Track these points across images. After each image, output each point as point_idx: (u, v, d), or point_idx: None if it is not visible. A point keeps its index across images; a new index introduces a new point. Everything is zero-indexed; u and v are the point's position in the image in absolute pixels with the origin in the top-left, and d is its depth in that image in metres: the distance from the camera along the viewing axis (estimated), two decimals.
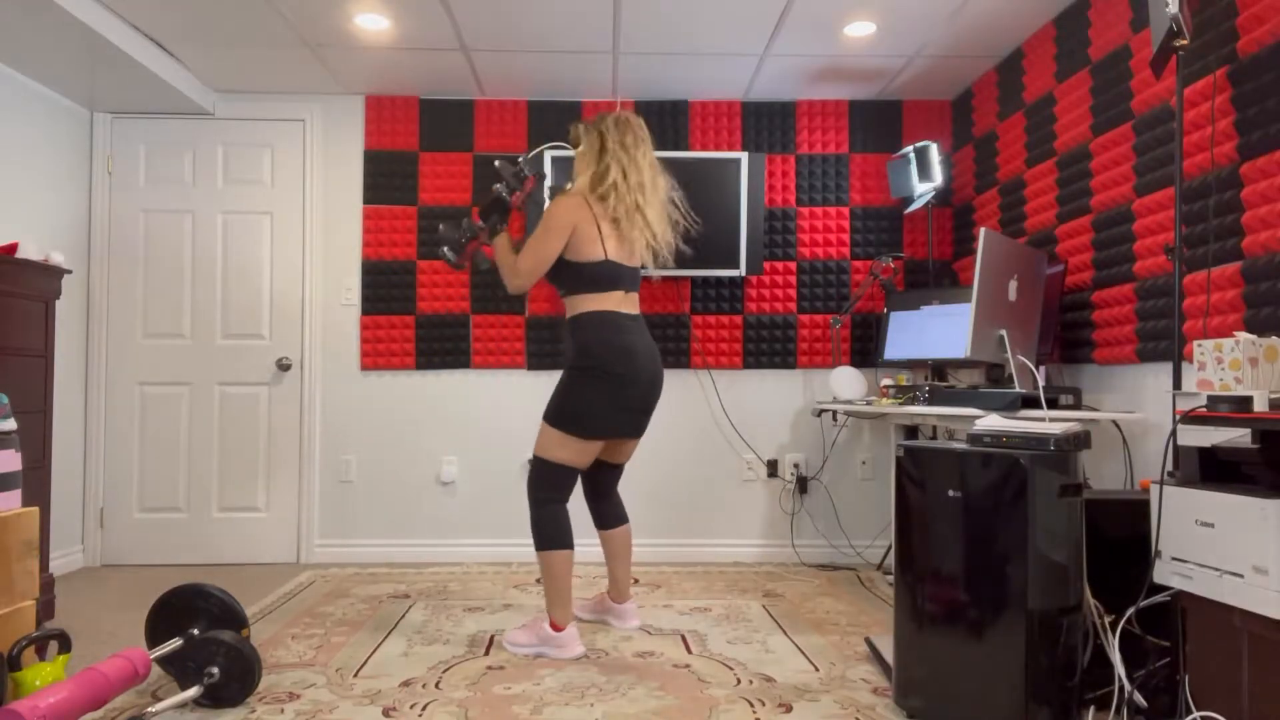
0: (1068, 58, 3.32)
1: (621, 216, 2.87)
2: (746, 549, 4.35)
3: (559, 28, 3.56)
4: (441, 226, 2.97)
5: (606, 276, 2.88)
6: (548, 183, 2.94)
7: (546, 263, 2.88)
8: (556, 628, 2.82)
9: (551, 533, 2.86)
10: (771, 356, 4.38)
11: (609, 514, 3.16)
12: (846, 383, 3.99)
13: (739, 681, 2.56)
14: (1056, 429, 2.10)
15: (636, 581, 3.86)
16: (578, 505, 3.27)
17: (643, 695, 2.44)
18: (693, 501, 4.36)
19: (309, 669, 2.67)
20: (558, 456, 2.88)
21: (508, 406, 4.33)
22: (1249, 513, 1.76)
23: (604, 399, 2.84)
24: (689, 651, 2.85)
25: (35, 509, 2.49)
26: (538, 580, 3.88)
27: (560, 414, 2.87)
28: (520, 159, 2.98)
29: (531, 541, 4.25)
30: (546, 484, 2.90)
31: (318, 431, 4.30)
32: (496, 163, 2.99)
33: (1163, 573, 1.99)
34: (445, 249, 2.95)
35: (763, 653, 2.84)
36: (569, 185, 3.01)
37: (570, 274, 2.90)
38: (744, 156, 4.16)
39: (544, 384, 4.33)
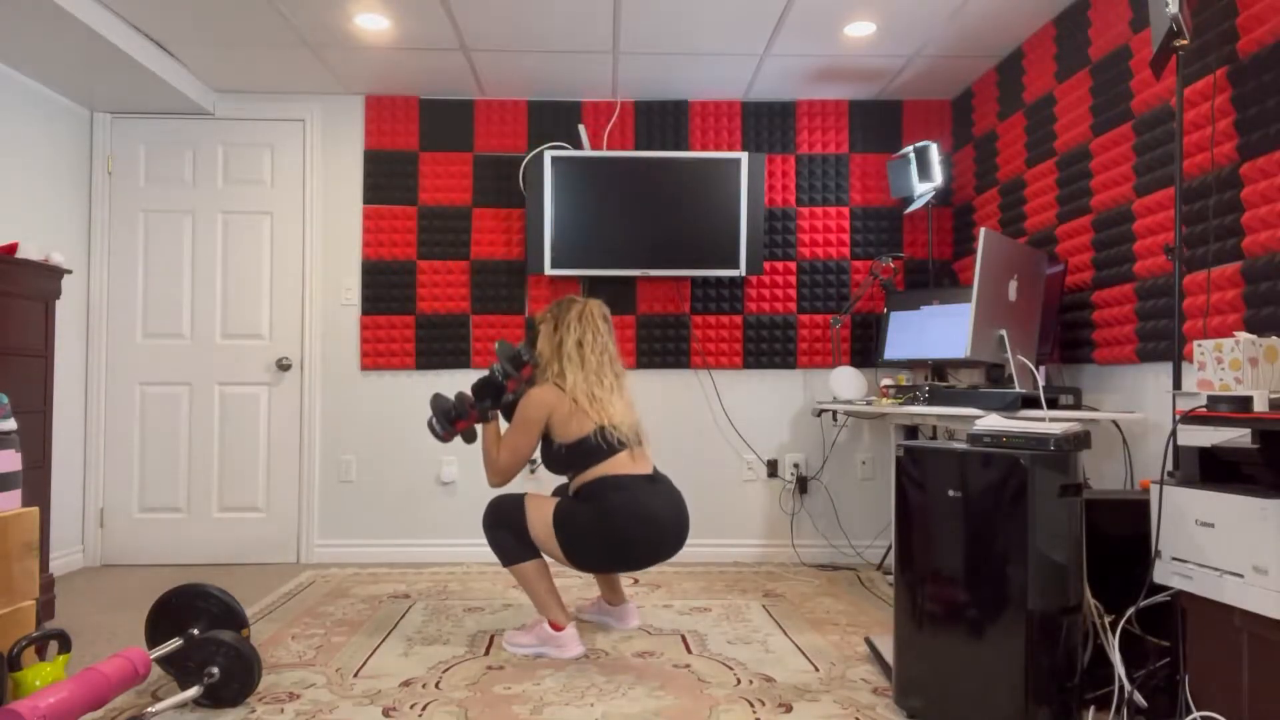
0: (1068, 58, 3.32)
1: (584, 402, 2.87)
2: (746, 549, 4.35)
3: (559, 28, 3.56)
4: (435, 396, 2.97)
5: (605, 444, 2.85)
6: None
7: (524, 456, 2.91)
8: (556, 628, 2.82)
9: (511, 547, 2.84)
10: (771, 356, 4.38)
11: None
12: (846, 383, 3.99)
13: (739, 681, 2.56)
14: (1056, 429, 2.10)
15: (636, 581, 3.86)
16: None
17: (643, 695, 2.44)
18: (693, 501, 4.32)
19: (309, 669, 2.67)
20: (536, 531, 2.82)
21: None
22: (1249, 512, 1.77)
23: (611, 552, 2.82)
24: (689, 651, 2.85)
25: (35, 509, 2.49)
26: None
27: (565, 529, 2.79)
28: (521, 346, 3.00)
29: None
30: (505, 526, 2.85)
31: (317, 431, 4.30)
32: (496, 345, 3.01)
33: (1163, 573, 1.99)
34: (433, 419, 2.96)
35: (763, 653, 2.84)
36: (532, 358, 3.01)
37: (568, 456, 2.89)
38: (744, 156, 4.16)
39: None
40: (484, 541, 4.24)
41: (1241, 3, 2.38)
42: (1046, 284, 3.13)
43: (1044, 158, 3.48)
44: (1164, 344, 2.73)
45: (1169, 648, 2.12)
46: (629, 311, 4.33)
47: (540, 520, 2.81)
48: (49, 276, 3.37)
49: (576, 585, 3.76)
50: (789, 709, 2.34)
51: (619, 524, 2.77)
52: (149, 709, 2.17)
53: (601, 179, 4.16)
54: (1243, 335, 1.86)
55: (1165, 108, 2.73)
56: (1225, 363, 1.87)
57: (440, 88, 4.26)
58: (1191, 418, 1.89)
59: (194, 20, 3.47)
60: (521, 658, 2.78)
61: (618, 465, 2.85)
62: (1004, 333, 2.80)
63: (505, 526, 2.84)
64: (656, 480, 2.92)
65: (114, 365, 4.26)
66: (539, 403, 2.86)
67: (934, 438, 3.93)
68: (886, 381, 3.68)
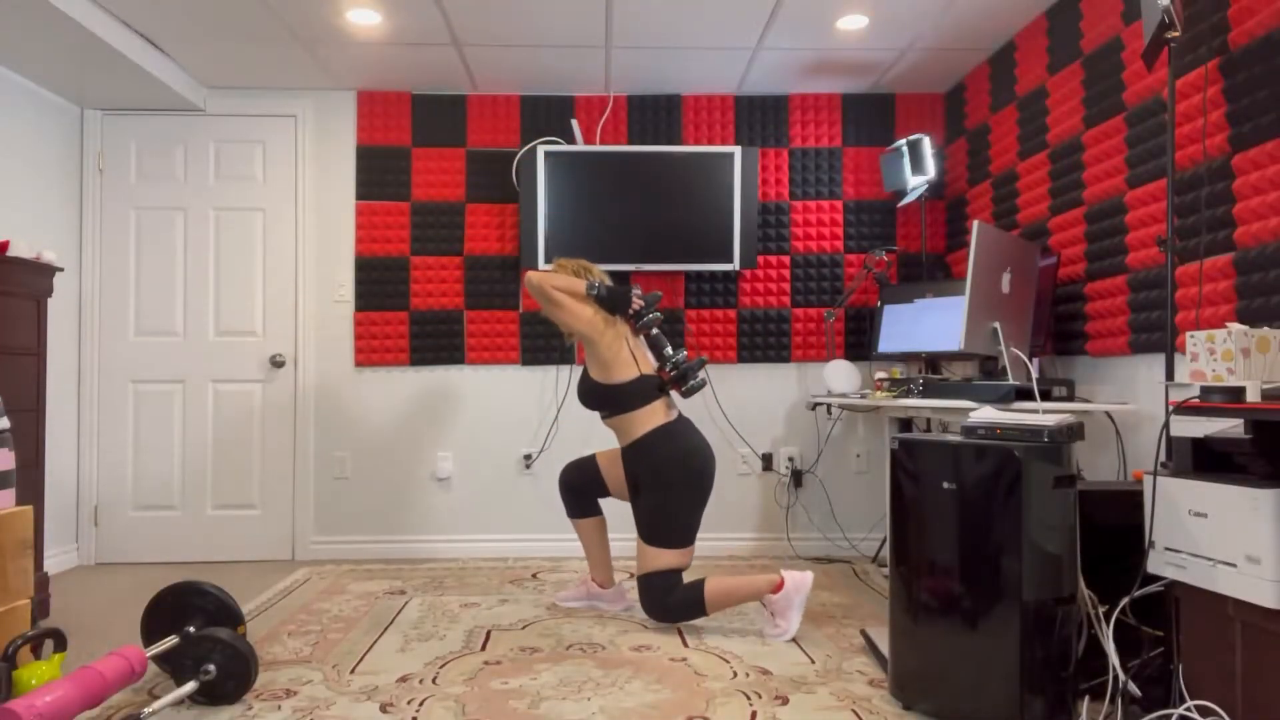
0: (1060, 50, 3.32)
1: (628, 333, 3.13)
2: (742, 542, 4.36)
3: (551, 22, 3.55)
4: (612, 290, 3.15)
5: (647, 390, 3.06)
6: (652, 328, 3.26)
7: (559, 309, 3.05)
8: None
9: (693, 601, 2.95)
10: (766, 350, 4.39)
11: (588, 506, 3.32)
12: (841, 376, 4.00)
13: (735, 674, 2.57)
14: (1050, 421, 2.10)
15: (632, 575, 3.86)
16: (554, 495, 3.35)
17: (640, 689, 2.45)
18: None
19: (305, 665, 2.67)
20: (670, 564, 2.99)
21: (502, 402, 4.33)
22: (1242, 502, 1.77)
23: (696, 496, 3.02)
24: (685, 645, 2.86)
25: (29, 507, 2.49)
26: (534, 575, 3.89)
27: (667, 533, 2.99)
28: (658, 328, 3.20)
29: (531, 537, 4.32)
30: (664, 592, 2.98)
31: (312, 428, 4.30)
32: (650, 305, 3.17)
33: (1157, 563, 2.00)
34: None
35: (759, 645, 2.84)
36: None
37: (616, 396, 3.06)
38: (737, 150, 4.16)
39: (538, 379, 4.33)
40: (479, 537, 4.31)
41: None
42: (1039, 276, 3.13)
43: (1036, 150, 3.49)
44: (1157, 335, 2.74)
45: (1163, 637, 2.14)
46: None
47: (662, 558, 2.99)
48: (41, 274, 3.35)
49: (572, 577, 3.77)
50: (785, 701, 2.35)
51: (683, 474, 3.00)
52: (146, 707, 2.17)
53: (595, 174, 4.15)
54: (1235, 326, 1.86)
55: (1157, 99, 2.73)
56: (1218, 354, 1.88)
57: (432, 83, 4.25)
58: (1184, 409, 1.90)
59: (185, 16, 3.46)
60: (519, 653, 2.79)
61: (658, 413, 3.06)
62: (997, 325, 2.81)
63: (671, 593, 2.98)
64: (687, 420, 3.15)
65: (107, 363, 4.25)
66: (603, 318, 3.07)
67: (928, 430, 3.94)
68: (881, 374, 3.69)
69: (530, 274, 3.07)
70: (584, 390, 3.15)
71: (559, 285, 3.05)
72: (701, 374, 3.14)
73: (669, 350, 3.14)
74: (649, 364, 3.14)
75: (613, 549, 3.58)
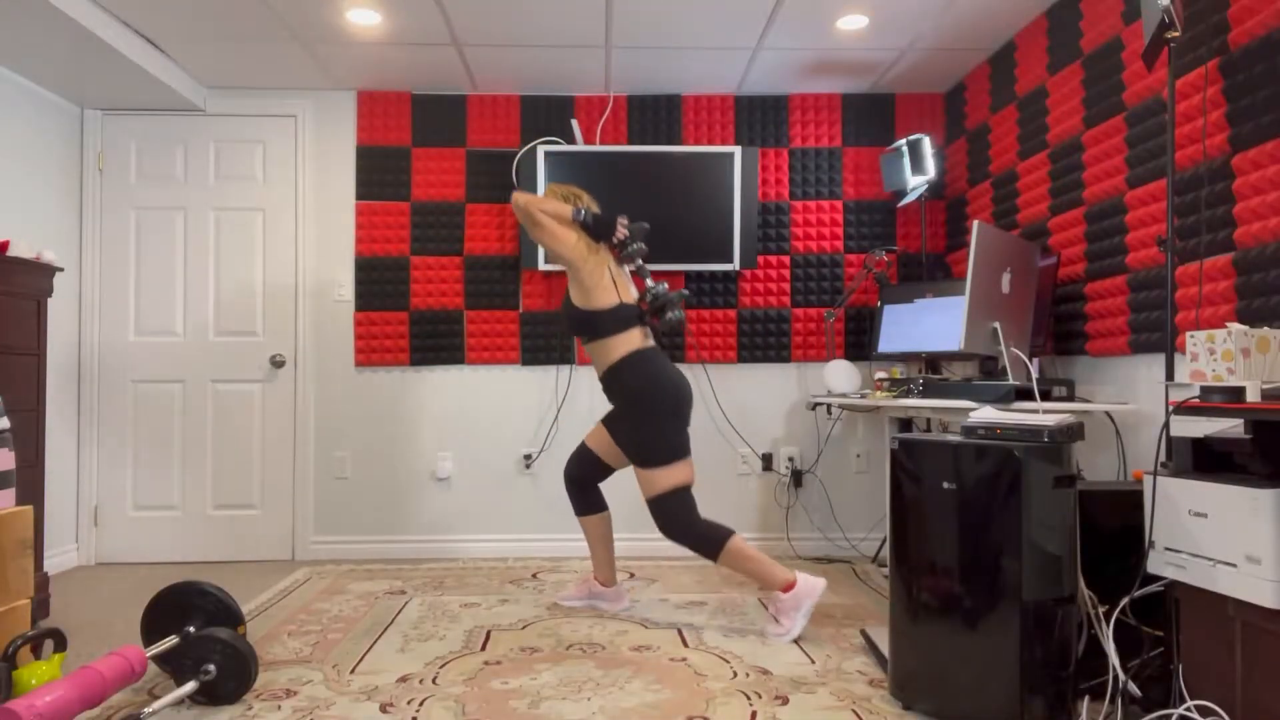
0: (1060, 50, 3.32)
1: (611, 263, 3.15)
2: None
3: (551, 21, 3.55)
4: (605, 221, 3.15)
5: (625, 318, 3.08)
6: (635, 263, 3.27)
7: (542, 230, 3.03)
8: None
9: (714, 538, 2.98)
10: (766, 350, 4.39)
11: (592, 502, 3.32)
12: (841, 376, 4.00)
13: (735, 674, 2.57)
14: (1050, 421, 2.10)
15: (632, 575, 3.87)
16: (560, 493, 3.36)
17: (640, 689, 2.45)
18: None
19: (305, 665, 2.67)
20: (673, 482, 3.01)
21: (503, 402, 4.33)
22: (1242, 502, 1.78)
23: (674, 421, 3.05)
24: (685, 645, 2.86)
25: (29, 507, 2.49)
26: (534, 575, 3.89)
27: (656, 451, 3.02)
28: (644, 264, 3.20)
29: (531, 537, 4.31)
30: (677, 513, 3.01)
31: (312, 428, 4.30)
32: (635, 236, 3.16)
33: (1157, 563, 2.01)
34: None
35: (759, 645, 2.85)
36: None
37: (594, 321, 3.07)
38: (737, 150, 4.16)
39: (538, 379, 4.33)
40: (479, 537, 4.31)
41: None
42: (1039, 276, 3.13)
43: (1036, 150, 3.49)
44: (1156, 335, 2.74)
45: (1163, 637, 2.14)
46: None
47: (659, 476, 3.01)
48: (41, 274, 3.35)
49: (574, 579, 3.77)
50: (785, 701, 2.35)
51: (659, 395, 3.03)
52: (146, 707, 2.17)
53: (595, 174, 4.15)
54: (1235, 326, 1.86)
55: (1157, 99, 2.73)
56: (1218, 354, 1.88)
57: (432, 83, 4.25)
58: (1184, 409, 1.90)
59: (185, 16, 3.46)
60: (519, 653, 2.79)
61: (633, 339, 3.08)
62: (997, 325, 2.81)
63: (688, 522, 3.01)
64: (659, 349, 3.18)
65: (107, 363, 4.24)
66: (590, 246, 3.08)
67: (928, 430, 3.94)
68: (880, 374, 3.69)
69: (517, 195, 3.07)
70: (564, 314, 3.19)
71: (546, 209, 3.05)
72: (681, 308, 3.13)
73: (650, 282, 3.15)
74: (630, 294, 3.15)
75: (616, 548, 3.62)
